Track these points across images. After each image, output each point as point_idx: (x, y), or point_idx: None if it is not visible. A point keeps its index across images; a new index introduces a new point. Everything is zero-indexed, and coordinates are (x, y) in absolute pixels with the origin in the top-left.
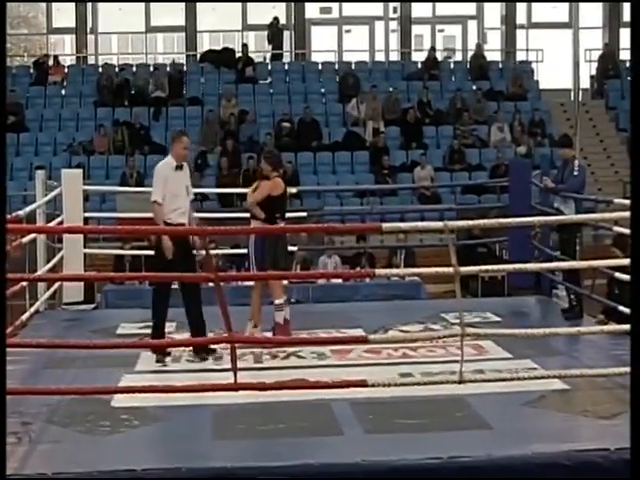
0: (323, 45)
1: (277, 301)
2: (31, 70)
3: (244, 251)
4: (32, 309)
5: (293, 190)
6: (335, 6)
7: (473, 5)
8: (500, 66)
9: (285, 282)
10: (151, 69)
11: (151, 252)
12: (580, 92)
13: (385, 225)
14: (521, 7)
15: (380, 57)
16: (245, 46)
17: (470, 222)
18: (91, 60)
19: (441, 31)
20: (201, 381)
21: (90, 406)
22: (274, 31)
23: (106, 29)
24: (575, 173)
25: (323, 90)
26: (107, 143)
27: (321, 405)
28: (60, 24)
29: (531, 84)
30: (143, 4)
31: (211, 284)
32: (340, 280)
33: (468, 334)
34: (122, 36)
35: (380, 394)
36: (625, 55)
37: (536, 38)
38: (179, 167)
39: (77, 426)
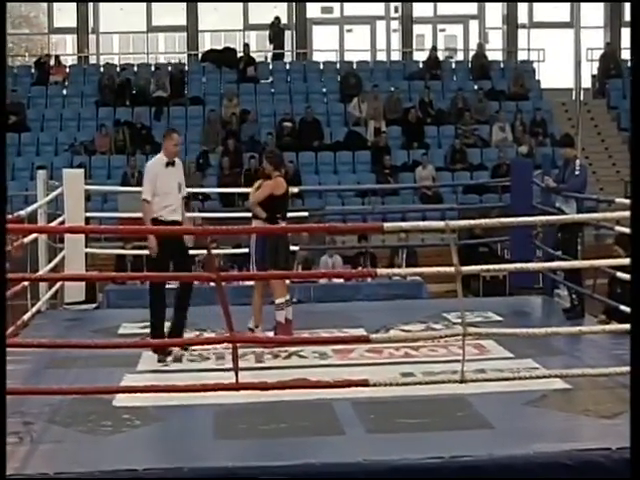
0: (324, 45)
1: (278, 300)
2: (32, 70)
3: (245, 251)
4: (34, 309)
5: (295, 190)
6: (336, 6)
7: (474, 5)
8: (501, 66)
9: (287, 282)
10: (152, 69)
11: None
12: (581, 92)
13: (387, 225)
14: (522, 7)
15: (381, 57)
16: (246, 46)
17: (472, 222)
18: (92, 60)
19: (442, 31)
20: (202, 381)
21: (92, 406)
22: (275, 31)
23: (107, 29)
24: (576, 173)
25: (324, 90)
26: (108, 143)
27: (323, 405)
28: (61, 24)
29: (532, 84)
30: (144, 4)
31: (212, 284)
32: (342, 280)
33: (470, 334)
34: (123, 36)
35: (382, 394)
36: (626, 54)
37: (537, 38)
38: (170, 164)
39: (79, 426)
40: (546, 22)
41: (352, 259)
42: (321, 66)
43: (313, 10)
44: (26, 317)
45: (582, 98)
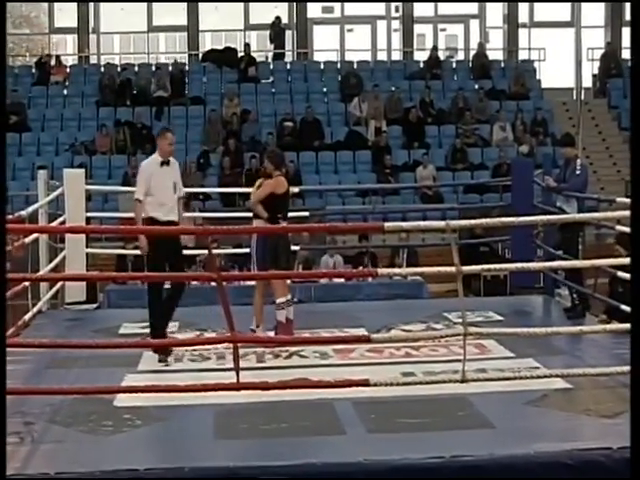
0: (325, 44)
1: (279, 300)
2: (33, 70)
3: (246, 251)
4: (34, 309)
5: (295, 190)
6: (337, 5)
7: (475, 4)
8: (502, 65)
9: (288, 281)
10: (153, 69)
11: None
12: (582, 91)
13: (387, 224)
14: (523, 6)
15: (382, 56)
16: (247, 46)
17: (472, 221)
18: (93, 60)
19: (443, 30)
20: (203, 381)
21: (92, 406)
22: (276, 30)
23: (108, 29)
24: (577, 172)
25: (325, 89)
26: (109, 143)
27: (323, 404)
28: (62, 24)
29: (533, 83)
30: (145, 4)
31: (213, 283)
32: (342, 279)
33: (470, 333)
34: (124, 36)
35: (382, 393)
36: (627, 54)
37: (538, 37)
38: (165, 163)
39: (80, 426)
40: (547, 22)
41: (353, 259)
42: (322, 66)
43: (314, 10)
44: (27, 317)
45: (583, 97)
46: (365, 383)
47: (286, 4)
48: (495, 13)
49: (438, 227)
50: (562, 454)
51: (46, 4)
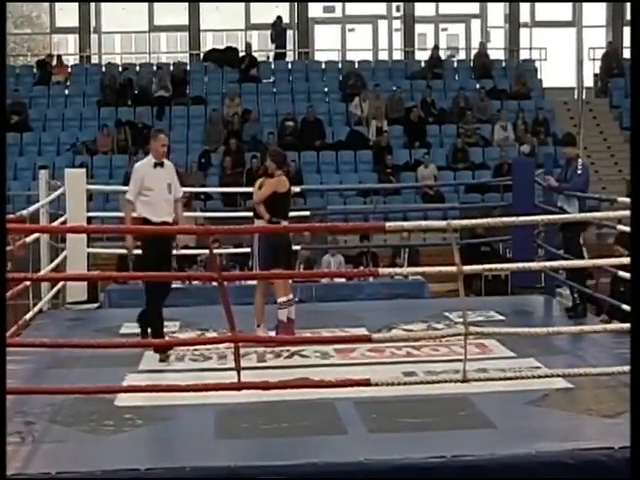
0: (326, 44)
1: (280, 299)
2: (34, 70)
3: (247, 250)
4: (35, 308)
5: (296, 189)
6: (338, 5)
7: (476, 4)
8: (503, 65)
9: (289, 281)
10: (154, 68)
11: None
12: (584, 91)
13: (388, 224)
14: (524, 6)
15: (383, 56)
16: (248, 45)
17: (473, 221)
18: (94, 60)
19: (444, 30)
20: (204, 380)
21: (94, 405)
22: (277, 30)
23: (109, 29)
24: (579, 172)
25: (326, 89)
26: (110, 143)
27: (324, 404)
28: (63, 24)
29: (534, 83)
30: (146, 4)
31: (215, 283)
32: (343, 279)
33: (471, 333)
34: (125, 35)
35: (384, 393)
36: (628, 53)
37: (539, 37)
38: (159, 165)
39: (81, 425)
40: (548, 21)
41: (354, 258)
42: (323, 65)
43: (315, 9)
44: (28, 317)
45: (584, 97)
46: (366, 383)
47: (287, 4)
48: (496, 13)
49: (439, 227)
50: (563, 454)
51: (47, 4)
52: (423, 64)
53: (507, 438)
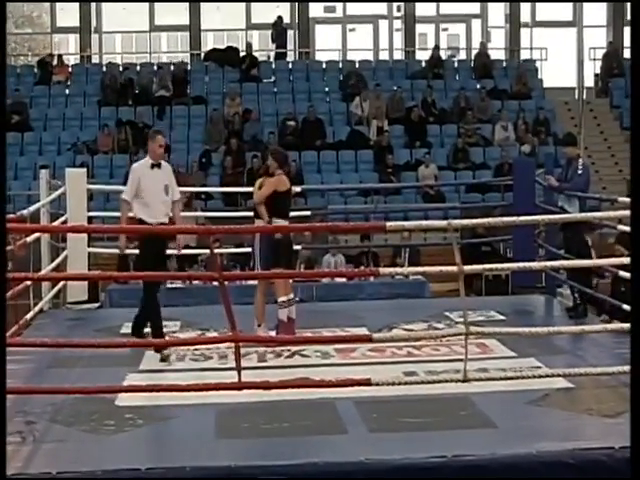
0: (327, 44)
1: (281, 299)
2: (35, 69)
3: (248, 250)
4: (36, 308)
5: (297, 189)
6: (339, 5)
7: (477, 4)
8: (504, 65)
9: (290, 281)
10: (155, 68)
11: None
12: (584, 91)
13: (389, 224)
14: (525, 6)
15: (384, 56)
16: (249, 45)
17: (474, 221)
18: (95, 59)
19: (445, 30)
20: (205, 380)
21: (94, 405)
22: (278, 30)
23: (110, 28)
24: (579, 172)
25: (327, 89)
26: (111, 142)
27: (325, 404)
28: (64, 23)
29: (535, 83)
30: (147, 3)
31: (215, 283)
32: (344, 279)
33: (472, 333)
34: (126, 35)
35: (384, 393)
36: (629, 54)
37: (540, 37)
38: (156, 166)
39: (81, 425)
40: (549, 21)
41: (355, 258)
42: (324, 65)
43: (316, 9)
44: (29, 316)
45: (585, 97)
46: (367, 382)
47: (288, 4)
48: (497, 13)
49: (440, 226)
50: (564, 453)
51: (48, 4)
52: (424, 64)
53: (508, 438)
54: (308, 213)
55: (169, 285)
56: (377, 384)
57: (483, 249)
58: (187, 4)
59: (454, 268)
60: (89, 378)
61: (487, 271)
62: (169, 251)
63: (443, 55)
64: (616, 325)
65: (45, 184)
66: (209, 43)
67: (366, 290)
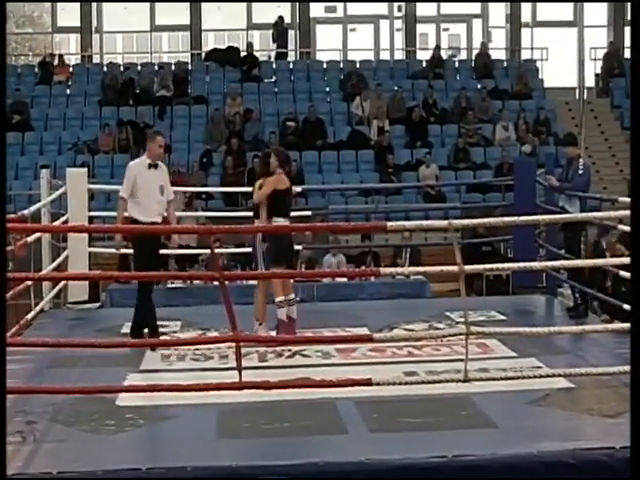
0: (328, 44)
1: (278, 299)
2: (36, 69)
3: (249, 250)
4: (37, 308)
5: (298, 189)
6: (340, 5)
7: (478, 4)
8: (505, 65)
9: (291, 281)
10: (156, 68)
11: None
12: (585, 91)
13: (390, 224)
14: (526, 6)
15: (385, 56)
16: (250, 45)
17: (475, 221)
18: (96, 59)
19: (446, 30)
20: (206, 380)
21: (95, 405)
22: (279, 30)
23: (111, 28)
24: (580, 172)
25: (328, 89)
26: (112, 142)
27: (326, 404)
28: (65, 23)
29: (536, 83)
30: (148, 3)
31: (216, 283)
32: (345, 279)
33: (473, 333)
34: (127, 35)
35: (385, 393)
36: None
37: (541, 37)
38: (153, 166)
39: (82, 425)
40: (549, 21)
41: (355, 258)
42: (324, 65)
43: (316, 9)
44: (29, 316)
45: (585, 97)
46: (367, 382)
47: (289, 4)
48: (498, 13)
49: (441, 226)
50: (565, 453)
51: (49, 4)
52: (424, 64)
53: (508, 438)
54: (309, 213)
55: (170, 285)
56: (378, 384)
57: (484, 249)
58: (188, 4)
59: (455, 268)
60: (90, 378)
61: (488, 271)
62: (169, 251)
63: (444, 55)
64: (617, 325)
65: (46, 184)
66: (210, 43)
67: (367, 290)
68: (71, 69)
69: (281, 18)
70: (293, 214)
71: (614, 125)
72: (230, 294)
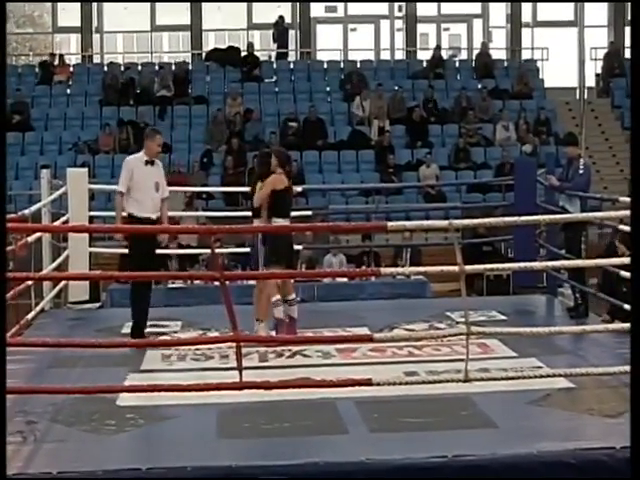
0: (328, 44)
1: (273, 298)
2: (36, 69)
3: (249, 250)
4: (37, 308)
5: (298, 189)
6: (340, 5)
7: (478, 4)
8: (505, 64)
9: (292, 280)
10: (156, 68)
11: (159, 251)
12: (585, 90)
13: (390, 224)
14: (526, 6)
15: (385, 56)
16: (250, 45)
17: (475, 221)
18: (96, 59)
19: (446, 30)
20: (206, 380)
21: (95, 405)
22: (279, 30)
23: (111, 28)
24: (580, 171)
25: (328, 89)
26: (112, 142)
27: (326, 404)
28: (65, 23)
29: (536, 82)
30: (148, 3)
31: (216, 283)
32: (345, 279)
33: (473, 333)
34: (127, 35)
35: (385, 393)
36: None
37: (541, 36)
38: (149, 162)
39: (82, 425)
40: (550, 21)
41: (356, 258)
42: (325, 65)
43: (317, 9)
44: (30, 316)
45: (586, 97)
46: (368, 382)
47: (289, 3)
48: (498, 13)
49: (441, 226)
50: (565, 454)
51: (49, 4)
52: (425, 64)
53: (509, 438)
54: (309, 213)
55: (170, 285)
56: (378, 384)
57: (484, 249)
58: (188, 4)
59: (455, 268)
60: (90, 378)
61: (488, 271)
62: (170, 251)
63: (444, 55)
64: (617, 325)
65: (46, 184)
66: (210, 43)
67: (367, 290)
68: (71, 69)
69: (281, 18)
70: (294, 214)
71: (614, 125)
72: (230, 294)
